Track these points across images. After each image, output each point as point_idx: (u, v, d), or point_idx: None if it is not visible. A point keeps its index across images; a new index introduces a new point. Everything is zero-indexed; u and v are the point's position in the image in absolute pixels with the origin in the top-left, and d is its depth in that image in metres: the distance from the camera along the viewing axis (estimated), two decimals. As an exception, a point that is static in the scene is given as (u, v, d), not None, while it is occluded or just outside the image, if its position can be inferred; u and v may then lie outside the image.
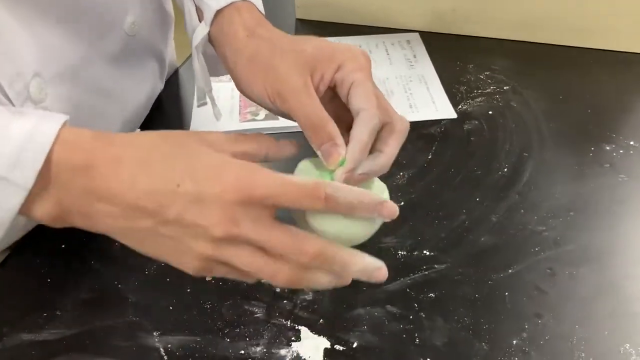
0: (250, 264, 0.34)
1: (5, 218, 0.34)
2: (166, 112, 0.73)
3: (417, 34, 0.87)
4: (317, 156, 0.40)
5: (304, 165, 0.41)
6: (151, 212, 0.33)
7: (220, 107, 0.60)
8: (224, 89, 0.75)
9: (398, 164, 0.63)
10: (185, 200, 0.32)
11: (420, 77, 0.77)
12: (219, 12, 0.49)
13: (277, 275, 0.34)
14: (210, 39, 0.51)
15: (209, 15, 0.49)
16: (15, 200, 0.34)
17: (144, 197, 0.33)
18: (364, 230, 0.38)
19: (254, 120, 0.70)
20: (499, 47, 0.84)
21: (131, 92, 0.62)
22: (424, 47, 0.84)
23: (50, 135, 0.33)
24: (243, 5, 0.49)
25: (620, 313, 0.48)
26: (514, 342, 0.46)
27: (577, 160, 0.64)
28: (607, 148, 0.66)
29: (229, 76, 0.49)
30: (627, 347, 0.46)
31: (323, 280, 0.35)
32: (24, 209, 0.34)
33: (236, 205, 0.32)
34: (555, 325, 0.47)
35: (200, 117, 0.71)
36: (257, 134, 0.40)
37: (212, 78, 0.56)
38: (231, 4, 0.49)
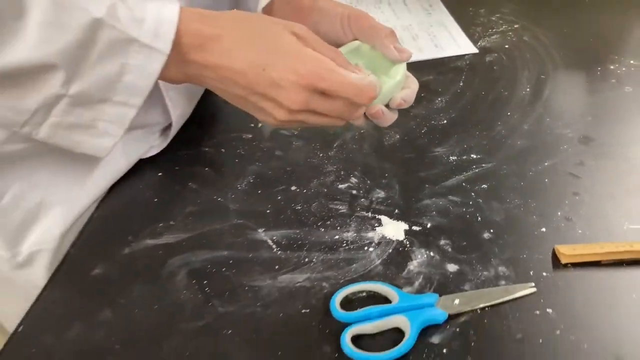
0: (316, 121, 0.47)
1: (149, 80, 0.43)
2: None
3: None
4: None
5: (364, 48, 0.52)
6: (242, 86, 0.44)
7: None
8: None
9: (435, 91, 0.73)
10: (268, 82, 0.43)
11: (439, 22, 0.86)
12: None
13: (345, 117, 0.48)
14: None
15: None
16: (157, 64, 0.42)
17: (236, 75, 0.44)
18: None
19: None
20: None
21: None
22: (437, -2, 0.93)
23: (175, 12, 0.42)
24: None
25: (641, 187, 0.58)
26: (559, 213, 0.55)
27: (587, 78, 0.74)
28: (612, 67, 0.76)
29: None
30: (651, 210, 0.55)
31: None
32: (161, 73, 0.43)
33: (308, 90, 0.43)
34: (591, 200, 0.57)
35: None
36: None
37: None
38: None
